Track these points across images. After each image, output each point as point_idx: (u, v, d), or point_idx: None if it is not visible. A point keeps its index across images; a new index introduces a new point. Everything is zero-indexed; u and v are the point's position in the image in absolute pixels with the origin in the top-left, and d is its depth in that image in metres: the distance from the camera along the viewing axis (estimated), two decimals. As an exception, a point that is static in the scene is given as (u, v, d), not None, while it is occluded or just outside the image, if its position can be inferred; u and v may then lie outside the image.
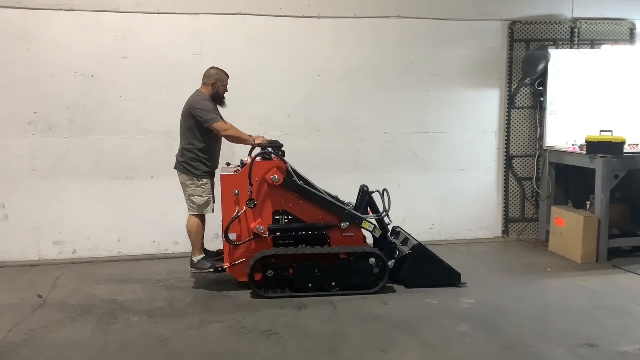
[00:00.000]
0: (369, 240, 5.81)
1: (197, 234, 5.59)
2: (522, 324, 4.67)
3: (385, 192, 5.62)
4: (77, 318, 4.84)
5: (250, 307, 5.06)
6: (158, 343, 4.35)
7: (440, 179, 7.39)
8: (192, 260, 5.62)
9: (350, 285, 5.36)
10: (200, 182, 5.56)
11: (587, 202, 6.72)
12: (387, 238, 5.65)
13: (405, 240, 5.97)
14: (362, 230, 5.55)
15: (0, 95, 6.31)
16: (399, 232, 6.20)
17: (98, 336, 4.47)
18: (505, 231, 7.62)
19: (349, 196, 5.83)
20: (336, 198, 5.64)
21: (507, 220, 7.60)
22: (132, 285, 5.71)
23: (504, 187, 7.56)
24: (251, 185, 5.28)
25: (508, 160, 7.51)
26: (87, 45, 6.42)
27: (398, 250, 5.72)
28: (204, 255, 5.63)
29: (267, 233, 5.36)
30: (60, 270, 6.17)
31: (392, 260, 5.51)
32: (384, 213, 5.61)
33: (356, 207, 5.65)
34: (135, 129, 6.62)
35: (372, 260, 5.35)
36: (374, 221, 5.60)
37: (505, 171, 7.53)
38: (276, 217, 5.43)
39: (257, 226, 5.33)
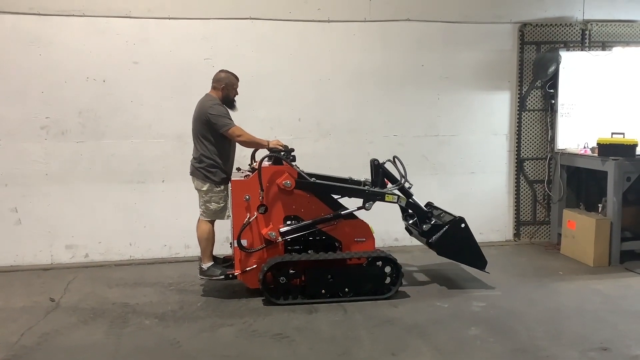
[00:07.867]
0: (396, 215, 5.74)
1: (207, 241, 5.52)
2: (534, 328, 4.65)
3: (396, 159, 5.54)
4: (89, 322, 4.87)
5: (261, 311, 5.07)
6: (170, 346, 4.37)
7: (451, 182, 7.37)
8: (201, 268, 5.53)
9: (364, 291, 5.33)
10: (218, 189, 5.48)
11: (599, 205, 6.68)
12: (414, 202, 5.59)
13: (440, 216, 5.83)
14: (387, 203, 5.47)
15: (14, 101, 6.37)
16: (433, 207, 6.02)
17: (111, 340, 4.49)
18: (516, 234, 7.59)
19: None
20: (350, 180, 5.57)
21: (519, 223, 7.57)
22: (144, 289, 5.74)
23: (515, 190, 7.53)
24: (262, 190, 5.21)
25: (519, 163, 7.48)
26: (99, 50, 6.47)
27: (434, 217, 5.67)
28: (213, 262, 5.56)
29: (280, 238, 5.28)
30: (72, 274, 6.21)
31: (429, 224, 5.57)
32: (403, 179, 5.52)
33: (373, 183, 5.57)
34: (146, 134, 6.66)
35: (386, 266, 5.34)
36: (396, 191, 5.52)
37: (516, 174, 7.50)
38: (287, 223, 5.35)
39: (269, 232, 5.25)
